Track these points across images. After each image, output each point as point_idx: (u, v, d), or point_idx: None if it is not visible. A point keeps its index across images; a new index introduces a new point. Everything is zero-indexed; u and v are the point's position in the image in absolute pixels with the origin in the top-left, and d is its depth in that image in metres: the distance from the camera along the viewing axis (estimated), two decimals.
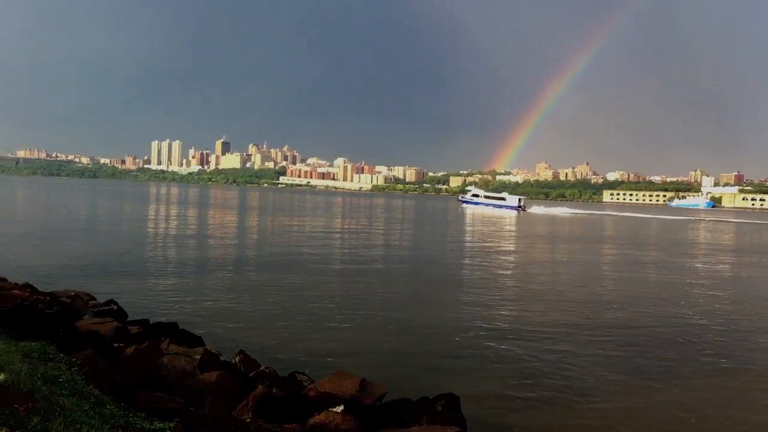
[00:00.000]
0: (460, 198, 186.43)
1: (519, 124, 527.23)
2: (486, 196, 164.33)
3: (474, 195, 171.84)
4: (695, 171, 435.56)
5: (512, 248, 51.68)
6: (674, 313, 23.59)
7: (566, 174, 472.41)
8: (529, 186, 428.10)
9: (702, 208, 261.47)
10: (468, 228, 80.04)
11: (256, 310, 20.28)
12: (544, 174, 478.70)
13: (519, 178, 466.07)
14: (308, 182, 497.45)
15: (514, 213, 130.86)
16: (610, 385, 14.12)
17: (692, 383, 14.69)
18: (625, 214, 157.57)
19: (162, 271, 27.88)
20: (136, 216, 72.96)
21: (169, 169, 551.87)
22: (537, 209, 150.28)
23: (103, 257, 31.11)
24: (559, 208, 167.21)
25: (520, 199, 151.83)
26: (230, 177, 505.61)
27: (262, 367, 10.90)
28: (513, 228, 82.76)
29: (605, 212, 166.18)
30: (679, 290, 30.12)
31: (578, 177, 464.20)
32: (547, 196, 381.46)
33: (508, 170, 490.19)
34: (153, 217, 74.29)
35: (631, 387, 14.11)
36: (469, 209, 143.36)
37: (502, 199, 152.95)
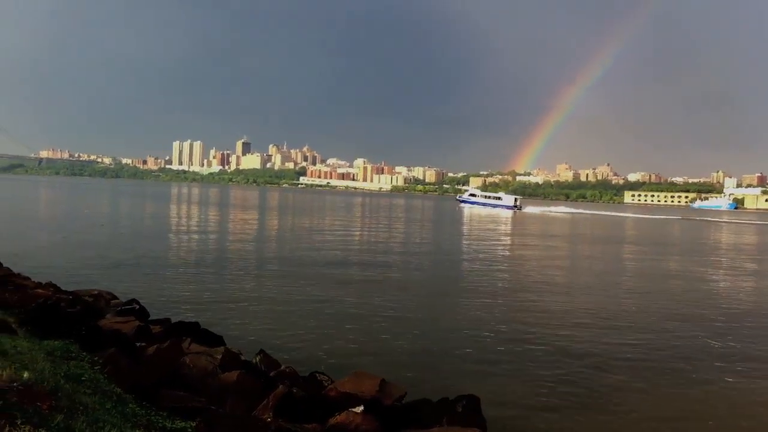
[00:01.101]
0: (458, 198, 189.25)
1: (539, 125, 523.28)
2: (483, 196, 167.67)
3: (471, 195, 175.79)
4: (717, 172, 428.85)
5: (533, 250, 51.23)
6: (694, 314, 23.22)
7: (587, 175, 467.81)
8: (549, 187, 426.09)
9: (724, 209, 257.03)
10: (470, 228, 79.75)
11: (277, 310, 20.31)
12: (565, 175, 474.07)
13: (539, 179, 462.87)
14: (328, 183, 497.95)
15: (510, 212, 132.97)
16: (634, 392, 13.81)
17: (718, 387, 14.42)
18: (624, 214, 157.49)
19: (183, 271, 28.07)
20: (158, 216, 73.69)
21: (190, 170, 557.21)
22: (532, 209, 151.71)
23: (125, 257, 31.43)
24: (553, 207, 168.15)
25: (516, 198, 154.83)
26: (250, 177, 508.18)
27: (283, 367, 10.86)
28: (509, 227, 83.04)
29: (603, 212, 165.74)
30: (664, 286, 29.61)
31: (599, 178, 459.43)
32: (567, 197, 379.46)
33: (528, 171, 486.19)
34: (174, 216, 75.00)
35: (659, 393, 13.77)
36: (466, 209, 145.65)
37: (498, 198, 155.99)
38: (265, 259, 34.93)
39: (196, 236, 48.49)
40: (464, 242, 56.85)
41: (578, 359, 15.99)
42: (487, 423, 9.44)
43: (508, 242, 58.63)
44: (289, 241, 49.27)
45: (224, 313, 19.28)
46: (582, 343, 17.82)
